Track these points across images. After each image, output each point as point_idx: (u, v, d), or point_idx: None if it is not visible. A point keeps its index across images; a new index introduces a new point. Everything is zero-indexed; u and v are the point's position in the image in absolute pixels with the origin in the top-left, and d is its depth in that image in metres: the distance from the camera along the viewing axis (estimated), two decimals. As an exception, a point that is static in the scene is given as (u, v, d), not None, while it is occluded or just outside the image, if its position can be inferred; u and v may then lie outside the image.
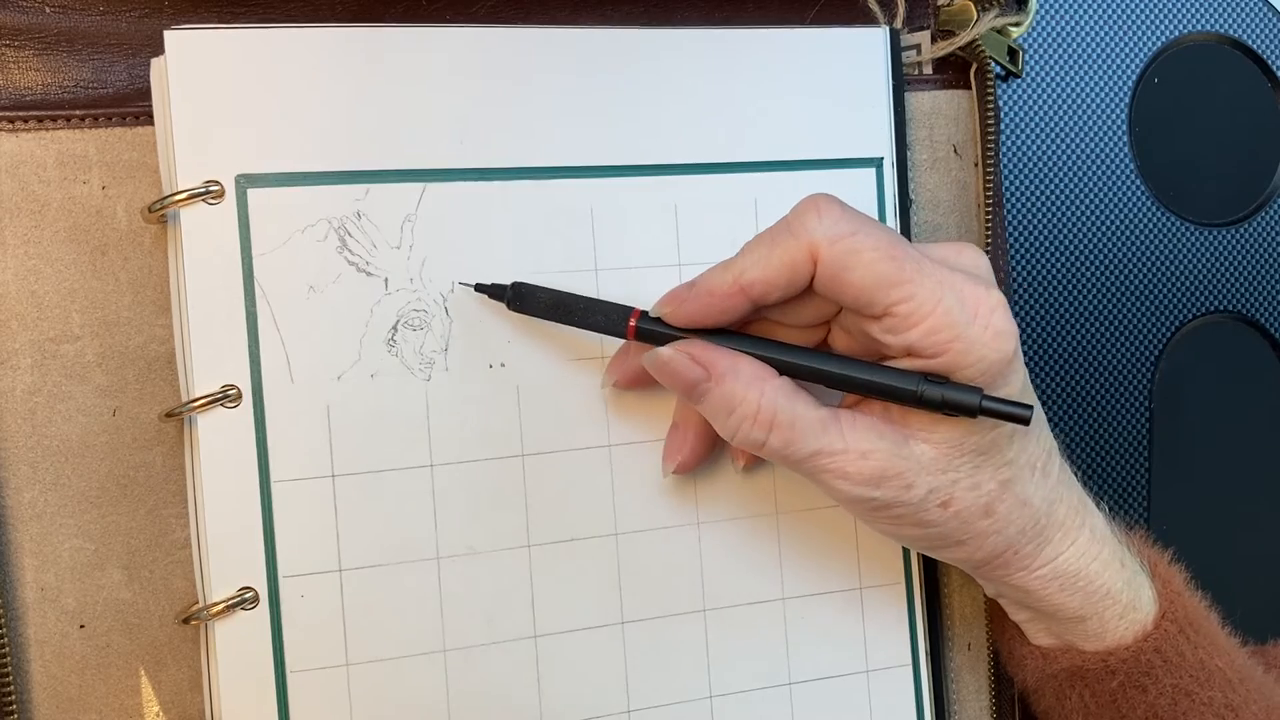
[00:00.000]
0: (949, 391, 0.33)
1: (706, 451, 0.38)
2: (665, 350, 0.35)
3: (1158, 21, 0.51)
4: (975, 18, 0.44)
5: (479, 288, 0.37)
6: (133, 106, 0.37)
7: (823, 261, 0.33)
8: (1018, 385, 0.35)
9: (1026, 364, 0.38)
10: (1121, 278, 0.51)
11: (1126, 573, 0.38)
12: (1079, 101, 0.50)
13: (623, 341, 0.37)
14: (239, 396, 0.35)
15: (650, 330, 0.36)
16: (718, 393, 0.34)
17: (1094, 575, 0.37)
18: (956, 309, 0.33)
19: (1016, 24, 0.46)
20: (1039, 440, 0.36)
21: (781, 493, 0.40)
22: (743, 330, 0.36)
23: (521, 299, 0.37)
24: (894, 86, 0.42)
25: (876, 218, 0.41)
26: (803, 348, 0.36)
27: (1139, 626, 0.38)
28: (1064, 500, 0.37)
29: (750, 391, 0.34)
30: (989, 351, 0.33)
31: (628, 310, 0.36)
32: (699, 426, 0.38)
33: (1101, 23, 0.51)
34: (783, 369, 0.35)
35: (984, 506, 0.35)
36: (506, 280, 0.37)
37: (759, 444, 0.34)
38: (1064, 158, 0.50)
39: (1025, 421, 0.33)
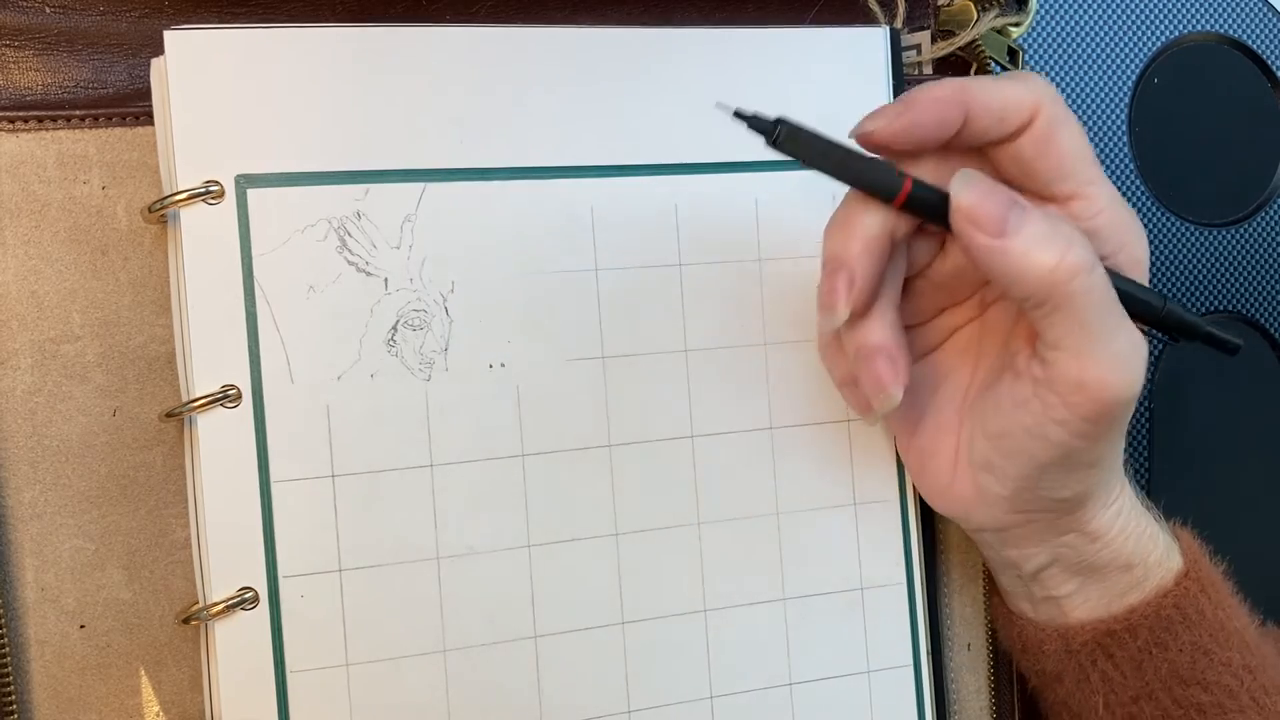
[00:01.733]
0: (1186, 315, 0.34)
1: (873, 296, 0.34)
2: (976, 172, 0.32)
3: (1158, 21, 0.51)
4: (975, 18, 0.44)
5: (738, 114, 0.33)
6: (133, 106, 0.37)
7: (1043, 116, 0.33)
8: None
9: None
10: (1121, 278, 0.51)
11: (1159, 522, 0.39)
12: (1079, 101, 0.50)
13: (836, 261, 0.34)
14: (239, 396, 0.35)
15: (923, 196, 0.33)
16: (1039, 213, 0.31)
17: (1140, 515, 0.38)
18: (1125, 208, 0.34)
19: (1016, 24, 0.46)
20: None
21: (782, 493, 0.40)
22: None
23: (791, 138, 0.33)
24: (894, 87, 0.42)
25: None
26: None
27: (1170, 578, 0.38)
28: None
29: (1061, 216, 0.33)
30: (1144, 255, 0.34)
31: (902, 175, 0.33)
32: (899, 340, 0.35)
33: (1101, 23, 0.51)
34: None
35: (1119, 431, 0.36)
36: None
37: (1090, 264, 0.31)
38: (1064, 158, 0.50)
39: (1235, 351, 0.35)
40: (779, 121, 0.33)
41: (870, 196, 0.33)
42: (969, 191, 0.32)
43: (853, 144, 0.34)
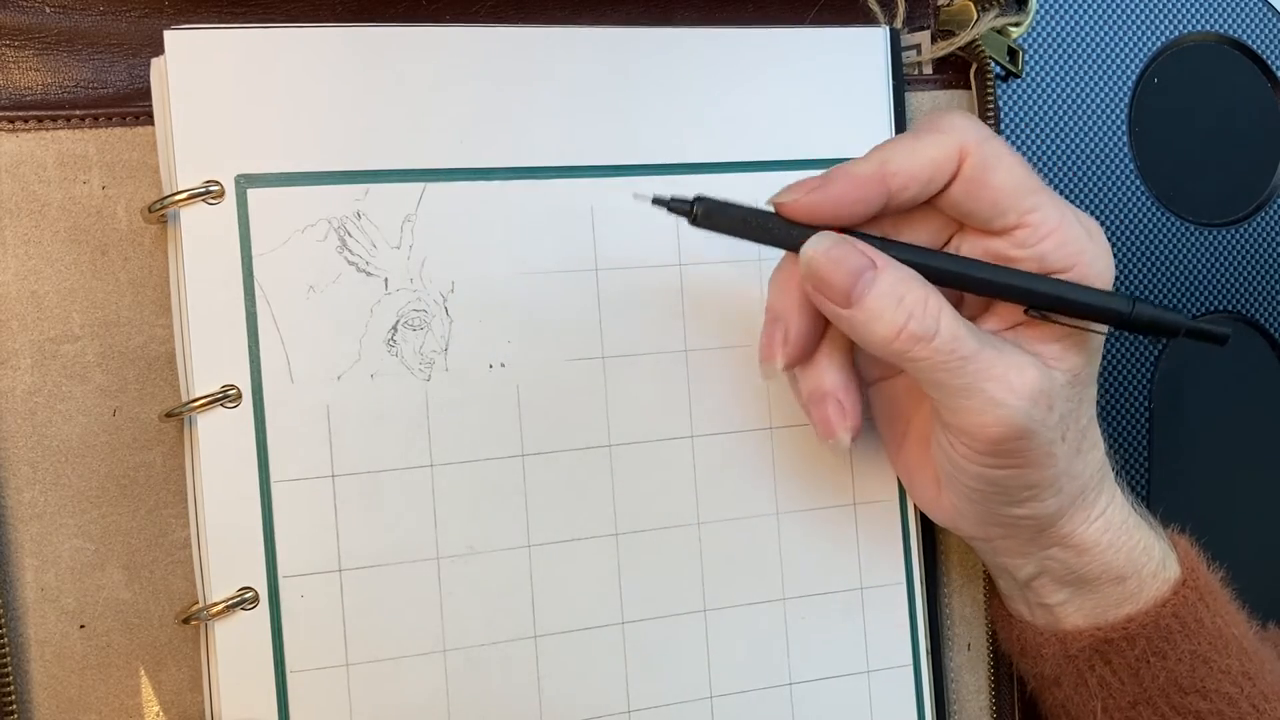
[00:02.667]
0: (1160, 313, 0.34)
1: (861, 406, 0.36)
2: (827, 237, 0.33)
3: (1158, 21, 0.51)
4: (975, 18, 0.44)
5: (657, 201, 0.35)
6: (133, 106, 0.37)
7: (970, 160, 0.33)
8: None
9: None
10: (1121, 278, 0.51)
11: (1154, 533, 0.39)
12: (1079, 101, 0.50)
13: (771, 320, 0.35)
14: (239, 396, 0.35)
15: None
16: (886, 280, 0.32)
17: (1133, 528, 0.38)
18: (1077, 225, 0.34)
19: (1016, 24, 0.46)
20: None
21: (782, 493, 0.40)
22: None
23: (708, 216, 0.34)
24: (894, 86, 0.42)
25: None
26: (989, 263, 0.34)
27: (1167, 588, 0.38)
28: (1106, 457, 0.38)
29: (916, 281, 0.33)
30: (1104, 266, 0.34)
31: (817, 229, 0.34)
32: (847, 383, 0.35)
33: (1101, 23, 0.51)
34: (960, 284, 0.34)
35: (1078, 443, 0.35)
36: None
37: (930, 334, 0.32)
38: (1064, 158, 0.50)
39: (1224, 341, 0.34)
40: (697, 199, 0.34)
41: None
42: (817, 261, 0.33)
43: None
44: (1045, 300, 0.34)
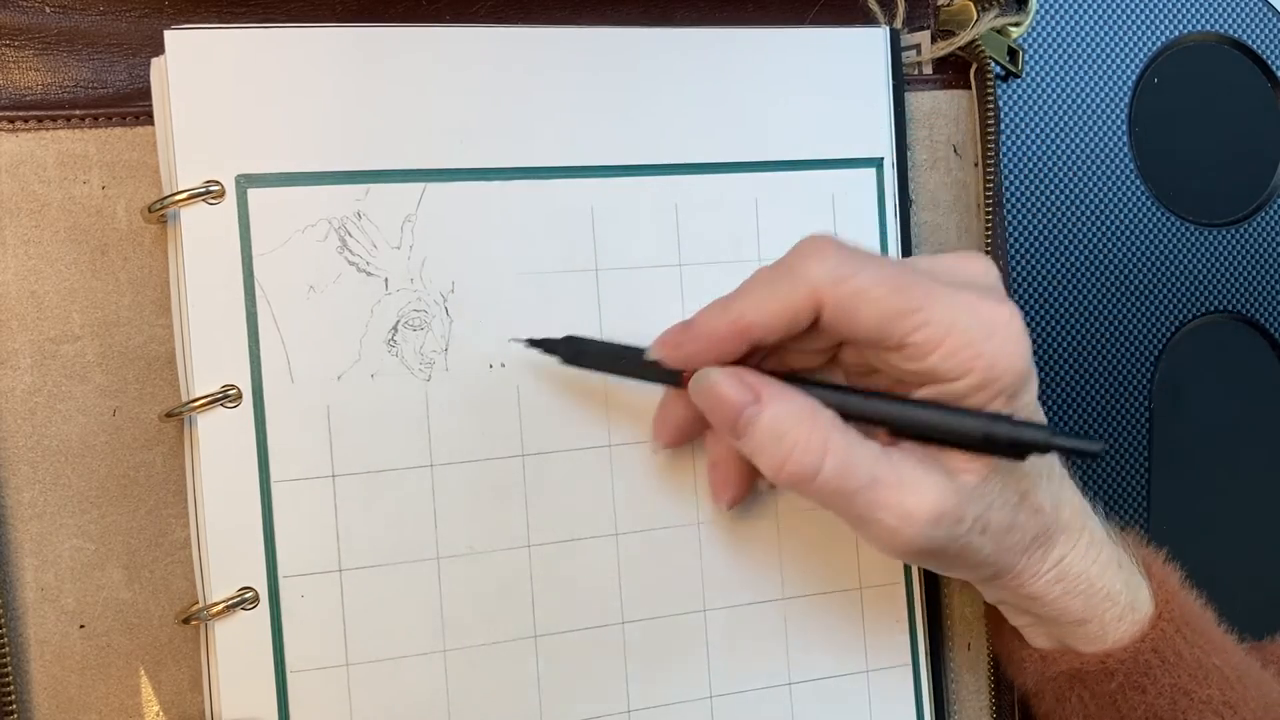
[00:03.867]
0: (1020, 430, 0.33)
1: (750, 480, 0.38)
2: (715, 371, 0.34)
3: (1158, 21, 0.51)
4: (975, 18, 0.44)
5: (531, 343, 0.37)
6: (133, 106, 0.37)
7: (828, 306, 0.33)
8: (1033, 393, 0.35)
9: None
10: (1121, 278, 0.51)
11: (1125, 574, 0.38)
12: (1079, 101, 0.50)
13: (664, 401, 0.37)
14: (239, 396, 0.35)
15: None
16: (767, 416, 0.33)
17: (1095, 577, 0.37)
18: (974, 327, 0.33)
19: (1016, 24, 0.46)
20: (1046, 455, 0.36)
21: (781, 492, 0.40)
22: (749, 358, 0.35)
23: (577, 355, 0.37)
24: (894, 86, 0.42)
25: (877, 217, 0.41)
26: (852, 387, 0.35)
27: (1137, 627, 0.38)
28: (1068, 503, 0.37)
29: (801, 414, 0.33)
30: (1011, 363, 0.33)
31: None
32: (735, 457, 0.37)
33: (1101, 23, 0.51)
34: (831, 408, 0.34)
35: (1009, 522, 0.35)
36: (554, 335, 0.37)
37: (811, 473, 0.33)
38: (1064, 158, 0.50)
39: (1096, 455, 0.33)
40: (566, 339, 0.37)
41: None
42: (701, 398, 0.34)
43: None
44: (896, 427, 0.34)
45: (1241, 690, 0.38)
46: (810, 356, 0.36)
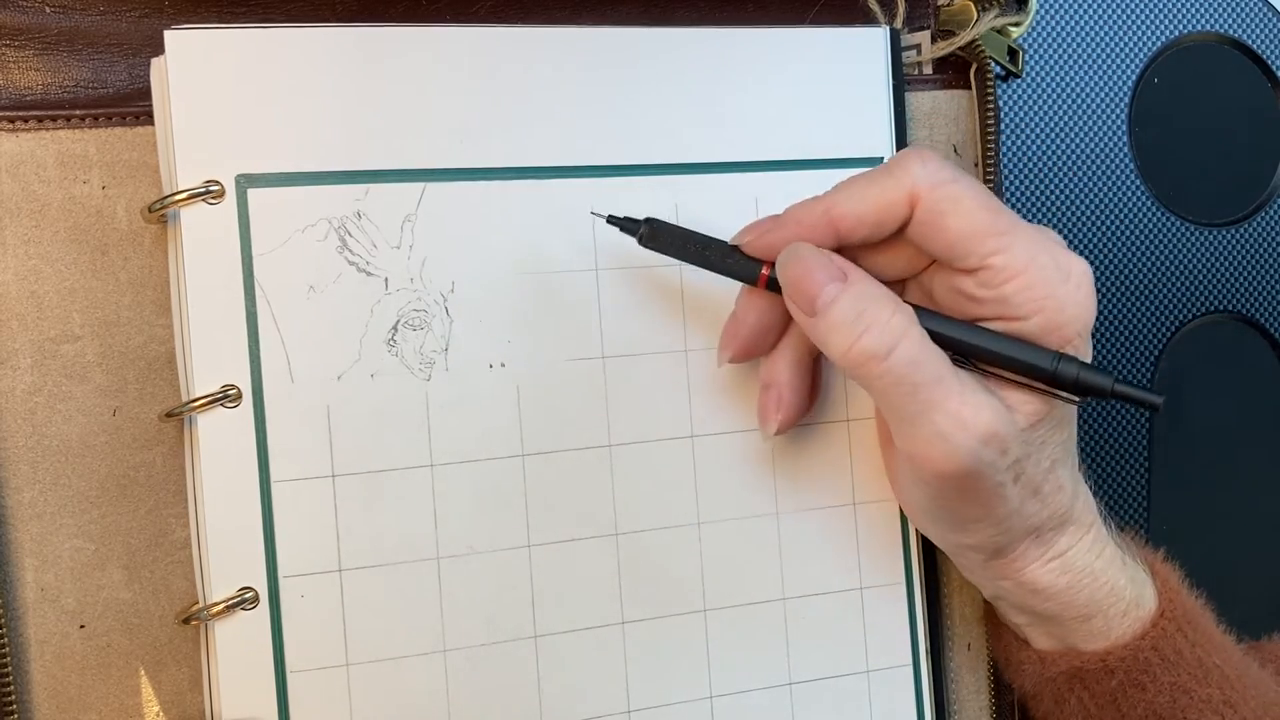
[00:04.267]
0: (1088, 373, 0.33)
1: (804, 407, 0.38)
2: (806, 245, 0.34)
3: (1158, 21, 0.51)
4: (975, 18, 0.44)
5: (611, 220, 0.36)
6: (133, 106, 0.37)
7: (922, 204, 0.33)
8: (1090, 353, 0.35)
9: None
10: (1121, 278, 0.51)
11: (1129, 570, 0.38)
12: (1079, 101, 0.50)
13: (736, 311, 0.37)
14: (239, 396, 0.35)
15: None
16: (852, 294, 0.33)
17: (1099, 571, 0.37)
18: (1050, 267, 0.33)
19: (1016, 24, 0.46)
20: (1073, 430, 0.36)
21: (782, 493, 0.40)
22: None
23: (655, 236, 0.36)
24: (894, 86, 0.42)
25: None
26: (926, 309, 0.35)
27: (1140, 624, 0.38)
28: (1082, 496, 0.37)
29: (884, 298, 0.33)
30: (1079, 312, 0.33)
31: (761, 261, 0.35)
32: (793, 379, 0.37)
33: (1101, 23, 0.51)
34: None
35: (1036, 485, 0.35)
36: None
37: (885, 352, 0.32)
38: (1064, 158, 0.50)
39: (1157, 408, 0.33)
40: (646, 220, 0.36)
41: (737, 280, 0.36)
42: (788, 269, 0.34)
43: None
44: (962, 347, 0.34)
45: (1241, 689, 0.38)
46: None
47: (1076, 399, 0.34)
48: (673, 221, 0.37)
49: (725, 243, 0.36)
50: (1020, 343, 0.34)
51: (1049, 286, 0.33)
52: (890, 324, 0.32)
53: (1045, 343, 0.34)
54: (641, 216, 0.36)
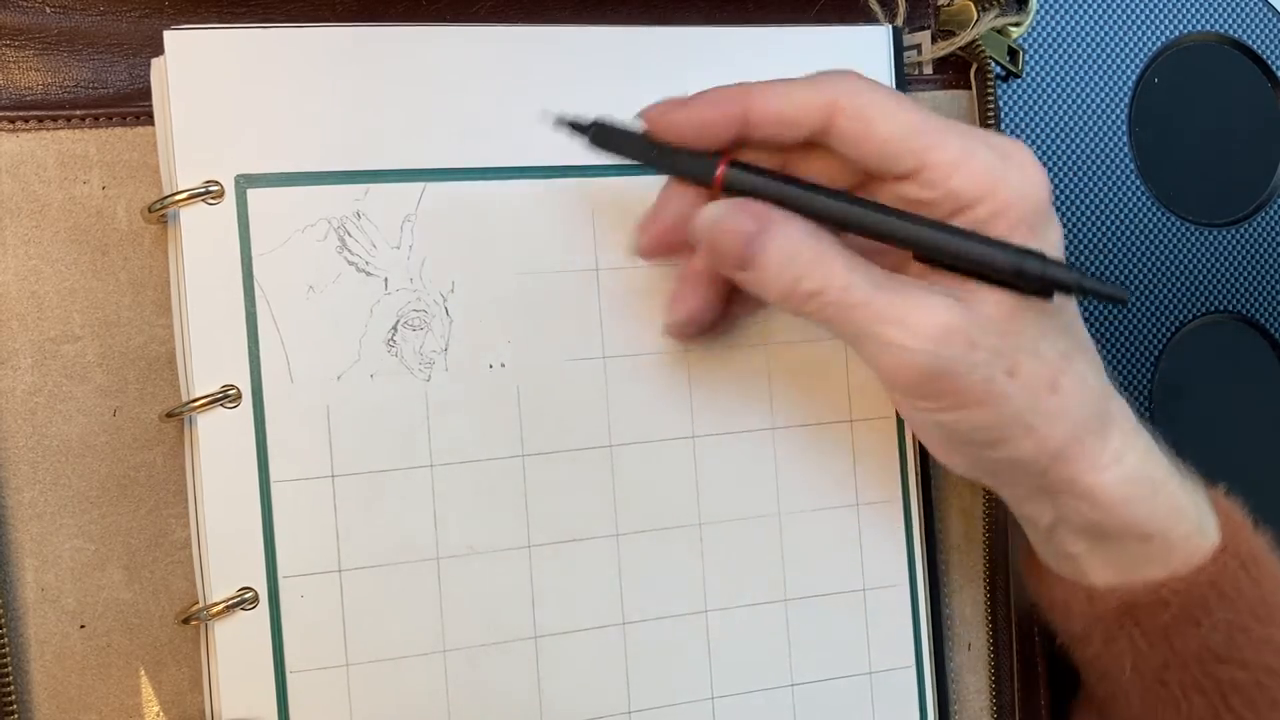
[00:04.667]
0: (1051, 268, 0.32)
1: (715, 310, 0.37)
2: (718, 204, 0.33)
3: (1158, 21, 0.51)
4: (975, 18, 0.44)
5: (559, 122, 0.36)
6: (133, 106, 0.37)
7: (845, 113, 0.33)
8: (1058, 234, 0.34)
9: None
10: (1121, 278, 0.51)
11: (1190, 492, 0.36)
12: (1079, 101, 0.50)
13: (660, 201, 0.36)
14: (239, 396, 0.35)
15: (742, 180, 0.34)
16: (775, 244, 0.32)
17: (1160, 483, 0.35)
18: (991, 153, 0.33)
19: (1017, 24, 0.46)
20: (1083, 329, 0.35)
21: (784, 493, 0.40)
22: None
23: (603, 137, 0.35)
24: (895, 86, 0.42)
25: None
26: (880, 204, 0.33)
27: (1200, 555, 0.36)
28: (1116, 397, 0.36)
29: (807, 237, 0.33)
30: (1030, 189, 0.33)
31: (716, 156, 0.34)
32: (712, 278, 0.36)
33: (1101, 23, 0.51)
34: (850, 226, 0.33)
35: (1050, 379, 0.33)
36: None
37: (818, 290, 0.32)
38: (1064, 158, 0.50)
39: (1124, 300, 0.32)
40: (594, 122, 0.35)
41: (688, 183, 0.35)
42: (709, 231, 0.34)
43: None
44: (917, 245, 0.33)
45: None
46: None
47: (1044, 297, 0.33)
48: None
49: (678, 147, 0.35)
50: (980, 239, 0.32)
51: (993, 172, 0.32)
52: (822, 258, 0.32)
53: (1003, 227, 0.33)
54: (591, 119, 0.35)
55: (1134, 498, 0.35)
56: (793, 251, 0.32)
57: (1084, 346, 0.35)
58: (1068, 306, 0.35)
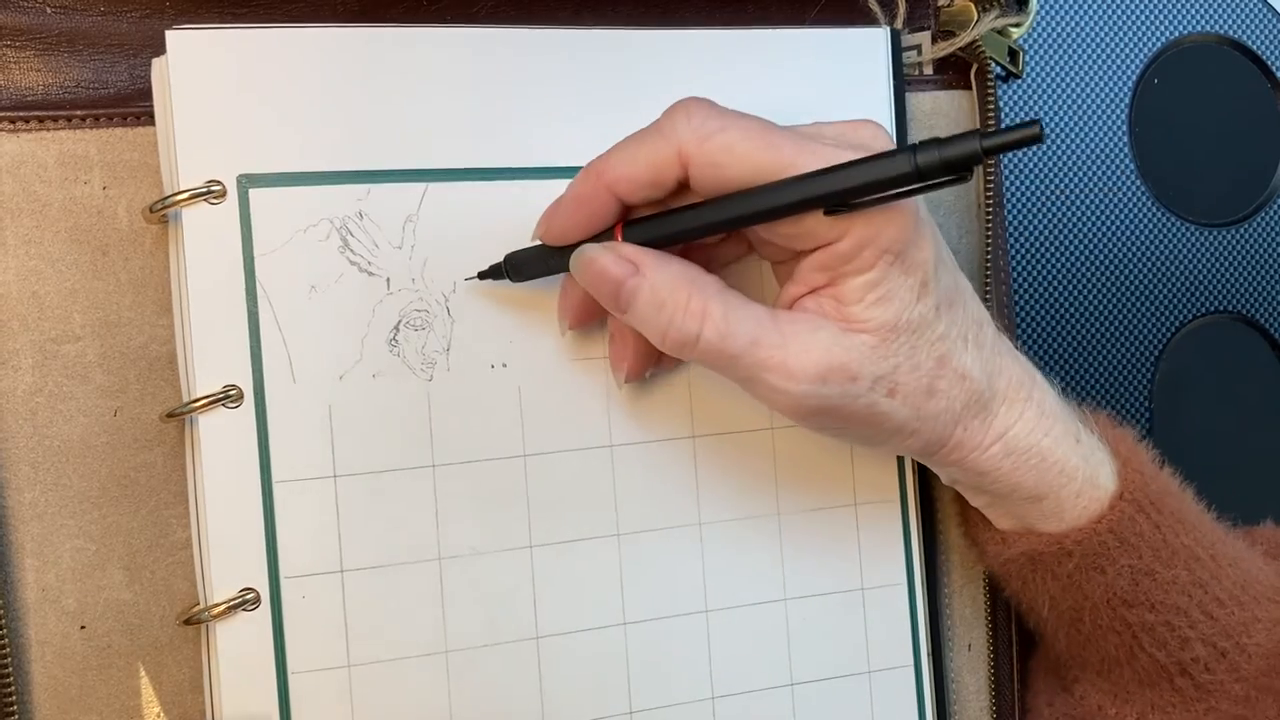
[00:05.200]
0: (946, 149, 0.30)
1: (650, 355, 0.37)
2: (591, 247, 0.34)
3: (1158, 21, 0.52)
4: (975, 18, 0.44)
5: (481, 275, 0.36)
6: (134, 106, 0.37)
7: (694, 162, 0.33)
8: (930, 248, 0.34)
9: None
10: (1121, 278, 0.51)
11: (1083, 449, 0.37)
12: (1079, 101, 0.50)
13: (564, 283, 0.37)
14: (240, 396, 0.35)
15: (641, 234, 0.34)
16: (646, 288, 0.33)
17: (1047, 451, 0.36)
18: (846, 153, 0.32)
19: (1017, 25, 0.46)
20: (967, 310, 0.35)
21: (783, 493, 0.40)
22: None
23: (518, 266, 0.36)
24: (895, 87, 0.42)
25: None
26: (770, 184, 0.32)
27: (1097, 505, 0.37)
28: (1004, 372, 0.36)
29: (680, 283, 0.33)
30: (894, 217, 0.32)
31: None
32: (634, 330, 0.36)
33: (1101, 23, 0.51)
34: (758, 218, 0.33)
35: (927, 386, 0.34)
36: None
37: (692, 338, 0.33)
38: (1064, 158, 0.50)
39: (1039, 136, 0.30)
40: (506, 258, 0.36)
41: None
42: (581, 277, 0.34)
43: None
44: (831, 198, 0.32)
45: (1215, 569, 0.37)
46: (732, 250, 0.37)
47: (960, 180, 0.31)
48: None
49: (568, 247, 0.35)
50: (875, 159, 0.31)
51: (855, 129, 0.33)
52: (690, 308, 0.33)
53: (868, 257, 0.32)
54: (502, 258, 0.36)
55: (1019, 467, 0.36)
56: (661, 297, 0.33)
57: (966, 335, 0.35)
58: (947, 312, 0.34)
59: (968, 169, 0.31)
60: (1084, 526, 0.37)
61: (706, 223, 0.34)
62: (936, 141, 0.31)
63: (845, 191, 0.32)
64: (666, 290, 0.33)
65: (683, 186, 0.34)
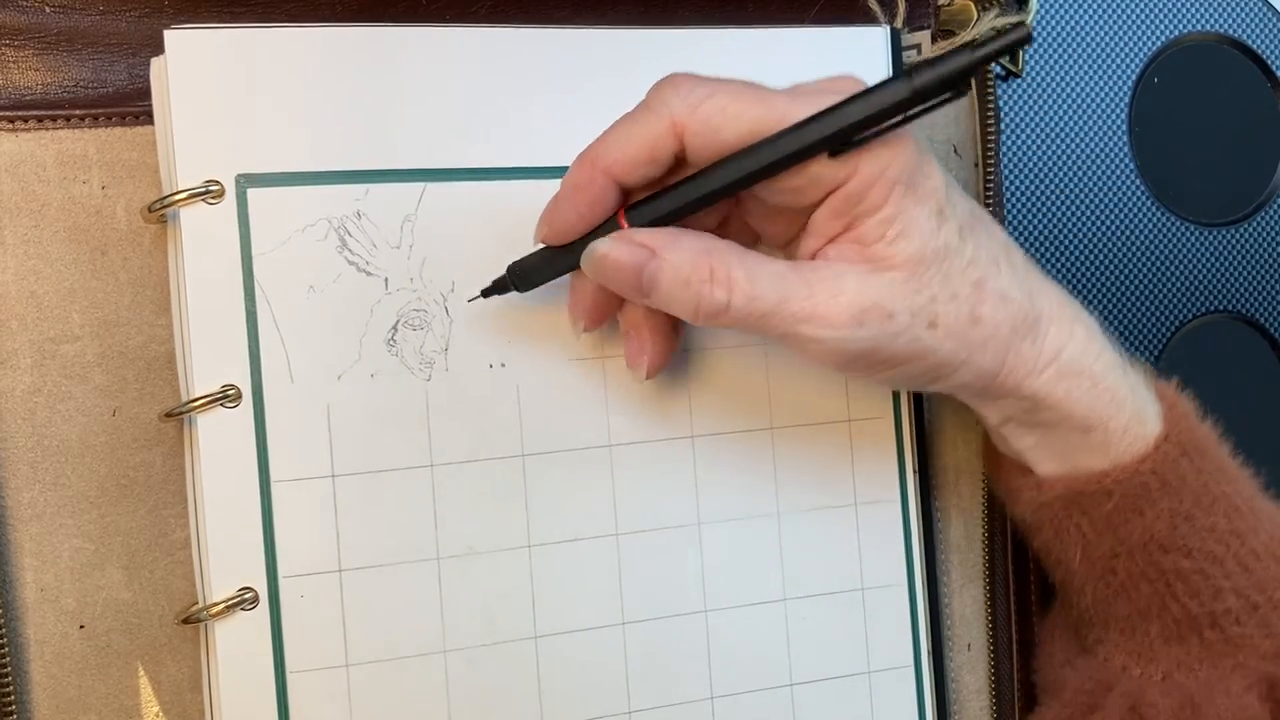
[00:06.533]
0: (941, 66, 0.31)
1: (669, 346, 0.37)
2: (600, 242, 0.34)
3: (1158, 21, 0.51)
4: (975, 17, 0.44)
5: (484, 293, 0.36)
6: (133, 106, 0.37)
7: (690, 130, 0.32)
8: (938, 174, 0.34)
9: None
10: (1121, 278, 0.51)
11: (1131, 381, 0.37)
12: (1079, 101, 0.50)
13: (572, 283, 0.36)
14: (239, 396, 0.35)
15: (645, 214, 0.34)
16: (667, 268, 0.33)
17: (1099, 375, 0.36)
18: (833, 82, 0.32)
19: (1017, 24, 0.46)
20: (991, 234, 0.35)
21: (783, 493, 0.40)
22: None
23: (522, 274, 0.36)
24: (894, 86, 0.41)
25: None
26: (766, 139, 0.32)
27: (1142, 444, 0.37)
28: (1044, 291, 0.36)
29: (698, 255, 0.33)
30: (897, 149, 0.32)
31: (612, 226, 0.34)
32: (650, 321, 0.36)
33: (1101, 23, 0.51)
34: (758, 176, 0.32)
35: (969, 314, 0.34)
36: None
37: (723, 306, 0.33)
38: (1064, 158, 0.50)
39: (1028, 37, 0.30)
40: (509, 269, 0.36)
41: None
42: (597, 273, 0.34)
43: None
44: (825, 136, 0.32)
45: (1252, 520, 0.37)
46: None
47: (959, 95, 0.32)
48: None
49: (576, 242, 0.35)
50: (869, 93, 0.32)
51: (842, 80, 0.33)
52: (715, 278, 0.33)
53: (879, 193, 0.32)
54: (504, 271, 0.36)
55: (1072, 391, 0.36)
56: (686, 272, 0.33)
57: (996, 257, 0.35)
58: (970, 236, 0.34)
59: (965, 81, 0.31)
60: (1127, 464, 0.36)
61: (712, 189, 0.33)
62: (929, 62, 0.31)
63: (848, 129, 0.32)
64: (688, 266, 0.33)
65: (679, 161, 0.34)
